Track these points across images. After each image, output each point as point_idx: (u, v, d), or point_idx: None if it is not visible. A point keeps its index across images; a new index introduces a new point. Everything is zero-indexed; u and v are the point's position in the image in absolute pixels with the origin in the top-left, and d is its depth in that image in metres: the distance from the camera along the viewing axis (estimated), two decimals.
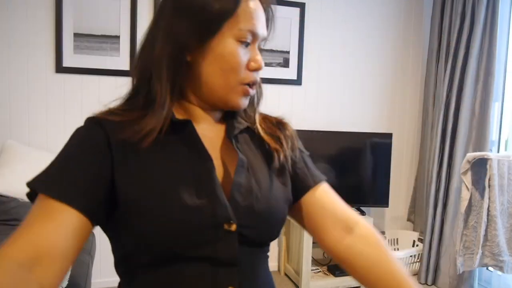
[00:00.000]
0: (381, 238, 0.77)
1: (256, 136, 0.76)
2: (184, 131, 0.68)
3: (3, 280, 0.51)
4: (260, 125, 0.77)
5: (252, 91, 0.72)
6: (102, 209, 0.62)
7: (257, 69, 0.70)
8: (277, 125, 0.80)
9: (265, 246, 0.73)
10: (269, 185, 0.71)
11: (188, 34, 0.66)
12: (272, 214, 0.69)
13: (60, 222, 0.58)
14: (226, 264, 0.64)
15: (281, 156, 0.74)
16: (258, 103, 0.79)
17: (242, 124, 0.75)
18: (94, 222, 0.62)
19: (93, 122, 0.66)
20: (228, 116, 0.75)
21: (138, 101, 0.69)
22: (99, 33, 2.47)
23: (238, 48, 0.68)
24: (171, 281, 0.63)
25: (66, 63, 2.44)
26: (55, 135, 2.46)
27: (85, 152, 0.63)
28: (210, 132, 0.72)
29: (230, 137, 0.72)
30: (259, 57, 0.70)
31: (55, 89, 2.46)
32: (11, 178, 2.08)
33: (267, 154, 0.75)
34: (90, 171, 0.62)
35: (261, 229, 0.68)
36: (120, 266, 0.69)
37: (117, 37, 2.50)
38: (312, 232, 0.80)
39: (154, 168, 0.64)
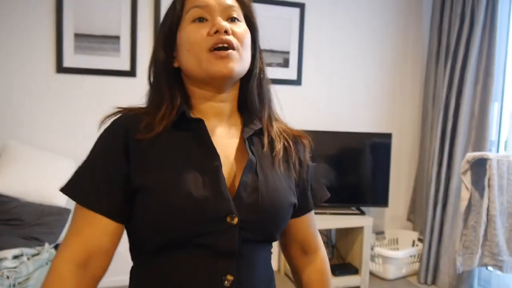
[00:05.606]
0: (328, 273, 0.90)
1: (270, 139, 0.80)
2: (196, 129, 0.73)
3: (69, 279, 0.66)
4: (274, 132, 0.80)
5: (228, 52, 0.72)
6: (126, 206, 0.70)
7: (218, 31, 0.71)
8: (292, 137, 0.84)
9: (266, 243, 0.78)
10: (275, 186, 0.75)
11: (164, 35, 0.76)
12: (275, 212, 0.74)
13: (97, 226, 0.69)
14: (226, 255, 0.69)
15: (280, 153, 0.78)
16: (262, 104, 0.80)
17: (256, 126, 0.78)
18: (122, 221, 0.71)
19: (115, 123, 0.74)
20: (245, 119, 0.80)
21: (154, 102, 0.77)
22: (100, 34, 2.48)
23: (193, 26, 0.73)
24: (176, 266, 0.69)
25: (67, 63, 2.44)
26: (55, 135, 2.46)
27: (107, 159, 0.71)
28: (223, 132, 0.77)
29: (244, 138, 0.76)
30: (217, 21, 0.72)
31: (55, 89, 2.46)
32: (12, 178, 2.09)
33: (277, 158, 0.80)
34: (113, 177, 0.70)
35: (263, 225, 0.73)
36: (132, 250, 0.76)
37: (118, 37, 2.51)
38: (280, 240, 0.90)
39: (166, 161, 0.70)
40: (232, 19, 0.75)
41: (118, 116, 0.75)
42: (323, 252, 0.91)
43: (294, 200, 0.79)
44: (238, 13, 0.76)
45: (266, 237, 0.76)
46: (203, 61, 0.72)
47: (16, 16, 2.36)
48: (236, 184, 0.72)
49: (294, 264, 0.91)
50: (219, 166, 0.71)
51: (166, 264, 0.70)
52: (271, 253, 0.81)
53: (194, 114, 0.76)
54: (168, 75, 0.76)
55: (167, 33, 0.76)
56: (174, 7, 0.76)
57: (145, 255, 0.72)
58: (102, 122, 0.75)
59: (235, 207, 0.69)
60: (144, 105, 0.79)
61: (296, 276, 0.91)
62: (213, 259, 0.69)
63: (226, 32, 0.71)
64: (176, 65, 0.77)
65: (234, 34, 0.73)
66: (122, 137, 0.71)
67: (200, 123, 0.73)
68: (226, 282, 0.69)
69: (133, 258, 0.77)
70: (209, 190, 0.68)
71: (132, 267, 0.77)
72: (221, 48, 0.71)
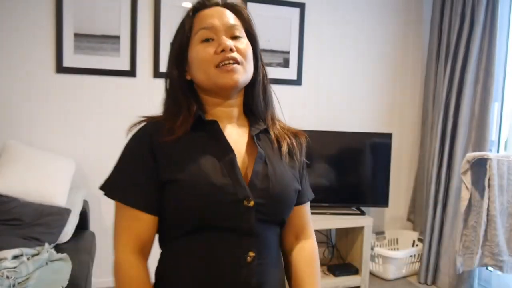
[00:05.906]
0: (316, 254, 0.98)
1: (275, 136, 0.93)
2: (212, 130, 0.86)
3: (136, 264, 0.81)
4: (276, 129, 0.93)
5: (233, 66, 0.83)
6: (159, 201, 0.83)
7: (223, 50, 0.83)
8: (292, 134, 0.96)
9: (276, 226, 0.90)
10: (282, 174, 0.87)
11: (176, 54, 0.89)
12: (283, 196, 0.87)
13: (142, 221, 0.82)
14: (246, 234, 0.81)
15: (285, 148, 0.91)
16: (266, 107, 0.93)
17: (261, 126, 0.91)
18: (157, 214, 0.83)
19: (141, 130, 0.86)
20: (251, 120, 0.92)
21: (171, 110, 0.89)
22: (100, 33, 2.48)
23: (201, 46, 0.85)
24: (205, 247, 0.81)
25: (67, 63, 2.44)
26: (55, 135, 2.46)
27: (138, 163, 0.84)
28: (234, 131, 0.89)
29: (252, 135, 0.89)
30: (223, 41, 0.83)
31: (55, 89, 2.46)
32: (12, 178, 2.09)
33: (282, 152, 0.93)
34: (146, 178, 0.82)
35: (274, 207, 0.85)
36: (161, 238, 0.88)
37: (117, 37, 2.50)
38: None
39: (188, 157, 0.82)
40: (235, 37, 0.86)
41: (142, 124, 0.86)
42: (314, 240, 1.00)
43: (299, 186, 0.92)
44: (240, 30, 0.87)
45: (276, 219, 0.88)
46: (211, 75, 0.83)
47: (16, 16, 2.36)
48: (249, 173, 0.84)
49: (284, 248, 0.98)
50: (234, 158, 0.83)
51: (194, 247, 0.81)
52: (278, 237, 0.92)
53: (208, 118, 0.87)
54: (183, 88, 0.88)
55: (179, 52, 0.88)
56: (183, 27, 0.88)
57: (174, 241, 0.84)
58: (129, 130, 0.86)
59: (250, 192, 0.81)
60: (162, 113, 0.90)
61: (286, 259, 0.98)
62: (236, 238, 0.81)
63: (231, 50, 0.83)
64: (188, 77, 0.89)
65: (237, 50, 0.84)
66: (147, 143, 0.83)
67: (214, 124, 0.85)
68: (248, 258, 0.81)
69: (162, 246, 0.88)
70: (227, 178, 0.80)
71: (161, 253, 0.88)
72: (227, 63, 0.83)
